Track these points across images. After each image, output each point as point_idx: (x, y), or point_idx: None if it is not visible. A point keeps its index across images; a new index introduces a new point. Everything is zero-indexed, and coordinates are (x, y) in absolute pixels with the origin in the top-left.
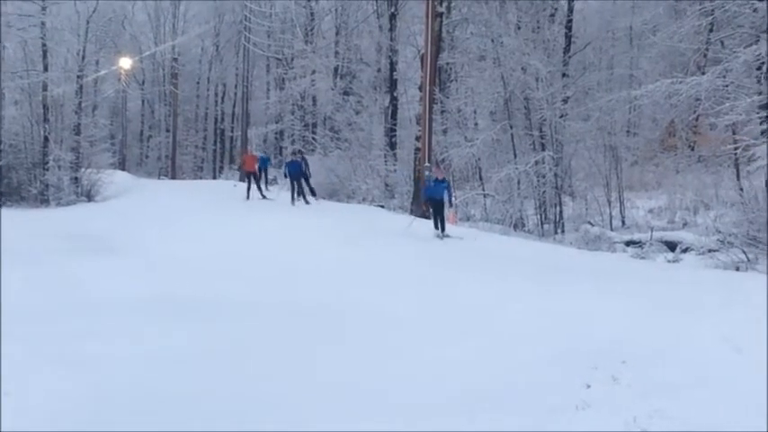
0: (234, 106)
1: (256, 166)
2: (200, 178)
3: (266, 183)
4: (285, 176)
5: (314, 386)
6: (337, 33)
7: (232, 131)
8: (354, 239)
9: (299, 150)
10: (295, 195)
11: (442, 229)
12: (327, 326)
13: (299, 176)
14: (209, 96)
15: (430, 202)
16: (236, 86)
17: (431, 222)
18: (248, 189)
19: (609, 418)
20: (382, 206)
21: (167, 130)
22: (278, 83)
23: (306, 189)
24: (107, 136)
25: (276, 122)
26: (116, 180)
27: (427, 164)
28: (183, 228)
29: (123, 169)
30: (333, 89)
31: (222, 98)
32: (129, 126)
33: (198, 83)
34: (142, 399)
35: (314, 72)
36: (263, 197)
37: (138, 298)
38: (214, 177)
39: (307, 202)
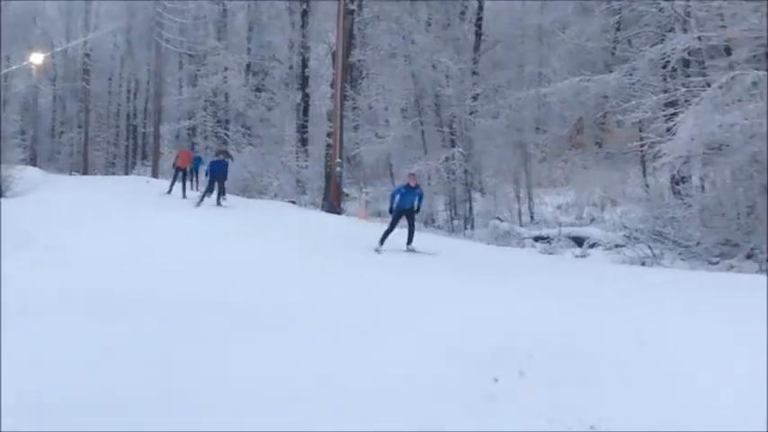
0: (146, 102)
1: (189, 165)
2: (113, 174)
3: (197, 182)
4: (206, 175)
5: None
6: (250, 30)
7: (144, 127)
8: (278, 238)
9: (225, 150)
10: (207, 195)
11: (409, 241)
12: (239, 321)
13: (222, 177)
14: (122, 92)
15: (400, 210)
16: (148, 83)
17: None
18: (183, 187)
19: (515, 410)
20: (293, 202)
21: (79, 126)
22: (190, 79)
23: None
24: (17, 131)
25: (189, 119)
26: (27, 176)
27: (338, 160)
28: (98, 224)
29: (34, 165)
30: (245, 86)
31: (135, 94)
32: (41, 122)
33: (110, 79)
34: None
35: (226, 69)
36: (184, 197)
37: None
38: (126, 173)
39: (219, 204)
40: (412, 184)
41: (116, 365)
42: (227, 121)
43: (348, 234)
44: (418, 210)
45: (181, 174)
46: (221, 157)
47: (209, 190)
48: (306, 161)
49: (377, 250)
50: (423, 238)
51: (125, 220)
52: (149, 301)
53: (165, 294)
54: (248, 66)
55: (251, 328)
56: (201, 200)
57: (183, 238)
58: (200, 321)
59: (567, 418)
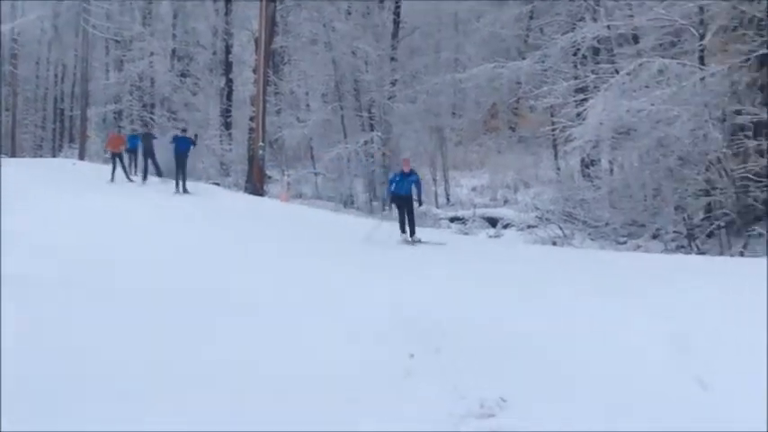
0: (73, 86)
1: (122, 147)
2: (40, 156)
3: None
4: (144, 156)
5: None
6: (175, 17)
7: (72, 111)
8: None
9: (185, 128)
10: (179, 181)
11: (412, 232)
12: (168, 305)
13: (184, 157)
14: (49, 77)
15: (395, 199)
16: (75, 67)
17: (395, 224)
18: (112, 171)
19: (430, 386)
20: (218, 184)
21: (7, 110)
22: (117, 64)
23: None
24: None
25: (115, 103)
26: None
27: (261, 143)
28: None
29: None
30: (170, 71)
31: (62, 78)
32: None
33: (38, 63)
34: None
35: (152, 54)
36: (129, 180)
37: None
38: (53, 156)
39: (185, 191)
40: (406, 169)
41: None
42: (153, 106)
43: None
44: (420, 201)
45: (117, 158)
46: (184, 134)
47: (179, 176)
48: (229, 144)
49: (406, 241)
50: (340, 219)
51: (62, 204)
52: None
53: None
54: (173, 51)
55: (175, 313)
56: (177, 187)
57: (121, 223)
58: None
59: (479, 390)
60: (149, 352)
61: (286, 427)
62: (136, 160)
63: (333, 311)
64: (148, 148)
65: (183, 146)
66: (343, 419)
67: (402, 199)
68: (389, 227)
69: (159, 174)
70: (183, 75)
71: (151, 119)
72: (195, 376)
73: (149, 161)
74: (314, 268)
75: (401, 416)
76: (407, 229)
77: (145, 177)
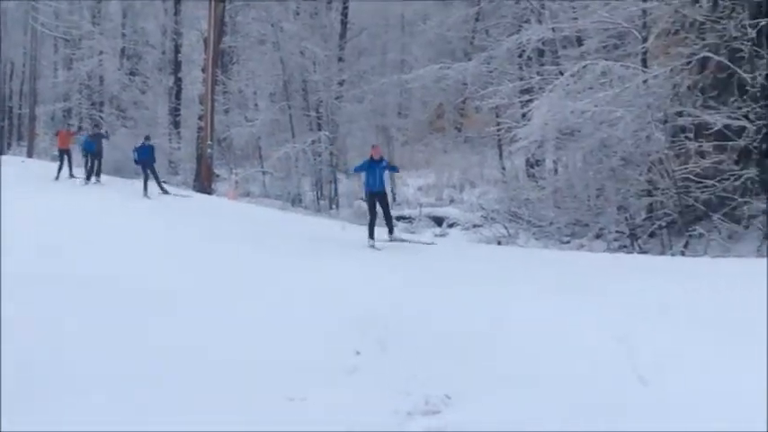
0: (22, 84)
1: (72, 144)
2: None
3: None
4: (136, 163)
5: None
6: (124, 16)
7: (20, 109)
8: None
9: (149, 136)
10: (149, 184)
11: (390, 230)
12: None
13: (151, 163)
14: None
15: (370, 196)
16: (24, 65)
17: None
18: (59, 169)
19: (376, 381)
20: (165, 182)
21: None
22: (66, 62)
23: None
24: None
25: (64, 101)
26: None
27: (209, 142)
28: None
29: None
30: (119, 69)
31: (10, 76)
32: None
33: None
34: None
35: (101, 53)
36: (71, 176)
37: None
38: (1, 153)
39: (165, 192)
40: (376, 156)
41: None
42: (102, 104)
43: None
44: (393, 196)
45: (66, 155)
46: (146, 142)
47: (146, 179)
48: (178, 143)
49: (372, 246)
50: (287, 218)
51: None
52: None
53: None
54: (122, 50)
55: (121, 303)
56: (145, 191)
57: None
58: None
59: (424, 388)
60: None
61: (229, 426)
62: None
63: (278, 308)
64: (98, 149)
65: (146, 154)
66: (287, 417)
67: (377, 195)
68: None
69: (98, 174)
70: (132, 73)
71: (100, 117)
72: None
73: (96, 162)
74: (259, 264)
75: (347, 413)
76: (374, 230)
77: (89, 177)
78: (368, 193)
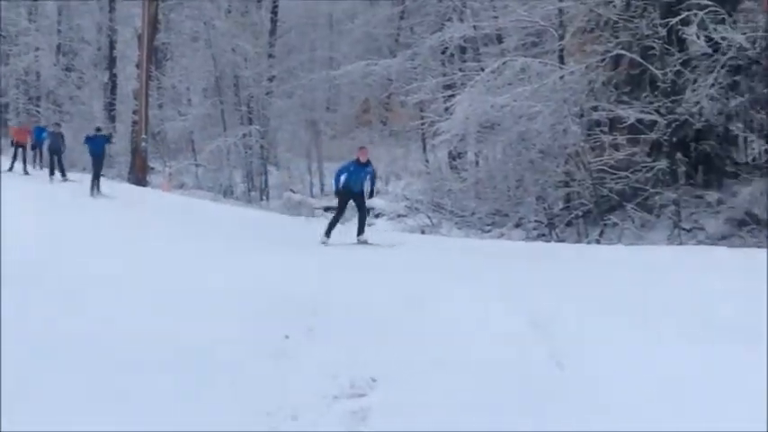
0: None
1: (28, 138)
2: None
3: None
4: (42, 151)
5: None
6: (60, 13)
7: None
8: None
9: (99, 127)
10: (97, 181)
11: (360, 231)
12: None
13: (101, 157)
14: None
15: (344, 194)
16: None
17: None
18: (12, 161)
19: (303, 365)
20: (103, 175)
21: None
22: (2, 58)
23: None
24: None
25: (1, 96)
26: None
27: (144, 136)
28: None
29: None
30: (56, 65)
31: None
32: None
33: None
34: None
35: (37, 49)
36: (26, 173)
37: None
38: None
39: (97, 192)
40: (362, 159)
41: None
42: (39, 99)
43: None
44: (371, 194)
45: (21, 149)
46: (99, 133)
47: (96, 177)
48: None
49: (324, 243)
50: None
51: None
52: None
53: None
54: (58, 47)
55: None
56: (92, 189)
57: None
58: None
59: (350, 371)
60: None
61: (160, 406)
62: (41, 155)
63: (208, 294)
64: (57, 147)
65: (98, 145)
66: (214, 401)
67: (353, 195)
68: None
69: (63, 174)
70: (67, 69)
71: (37, 111)
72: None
73: (56, 159)
74: (188, 250)
75: (274, 396)
76: (333, 229)
77: (52, 173)
78: (344, 191)
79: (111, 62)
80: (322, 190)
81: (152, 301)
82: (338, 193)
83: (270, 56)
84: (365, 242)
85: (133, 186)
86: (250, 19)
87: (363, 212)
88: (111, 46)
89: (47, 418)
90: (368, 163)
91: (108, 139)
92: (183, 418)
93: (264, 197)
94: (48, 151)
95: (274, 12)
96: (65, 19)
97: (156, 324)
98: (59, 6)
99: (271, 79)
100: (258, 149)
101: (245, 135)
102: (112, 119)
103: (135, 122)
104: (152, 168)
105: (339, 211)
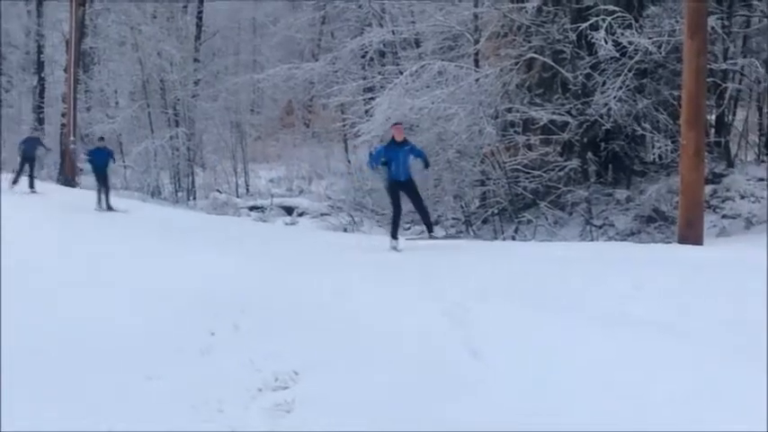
0: None
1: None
2: None
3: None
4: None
5: None
6: None
7: None
8: None
9: (102, 137)
10: (102, 196)
11: (429, 227)
12: None
13: (105, 170)
14: None
15: (394, 186)
16: None
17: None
18: (18, 173)
19: (229, 360)
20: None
21: None
22: None
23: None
24: None
25: None
26: None
27: (72, 138)
28: None
29: None
30: None
31: None
32: None
33: None
34: None
35: None
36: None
37: None
38: None
39: (109, 208)
40: (399, 137)
41: None
42: None
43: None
44: (427, 163)
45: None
46: (101, 144)
47: (100, 190)
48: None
49: (394, 248)
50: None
51: None
52: None
53: None
54: None
55: None
56: (99, 203)
57: None
58: None
59: (274, 365)
60: None
61: (86, 409)
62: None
63: (139, 293)
64: (31, 154)
65: (101, 158)
66: (140, 396)
67: (402, 185)
68: None
69: (31, 185)
70: None
71: None
72: None
73: (30, 168)
74: (119, 248)
75: (199, 390)
76: (398, 227)
77: (16, 181)
78: (390, 183)
79: (40, 66)
80: (247, 190)
81: (85, 299)
82: (387, 188)
83: (195, 60)
84: (435, 238)
85: (62, 187)
86: (176, 24)
87: (422, 205)
88: (39, 50)
89: None
90: (405, 141)
91: (111, 153)
92: (111, 412)
93: (191, 197)
94: (21, 159)
95: (199, 17)
96: None
97: (82, 322)
98: None
99: (196, 83)
100: (185, 151)
101: (171, 137)
102: (41, 121)
103: (64, 125)
104: (81, 170)
105: (396, 208)
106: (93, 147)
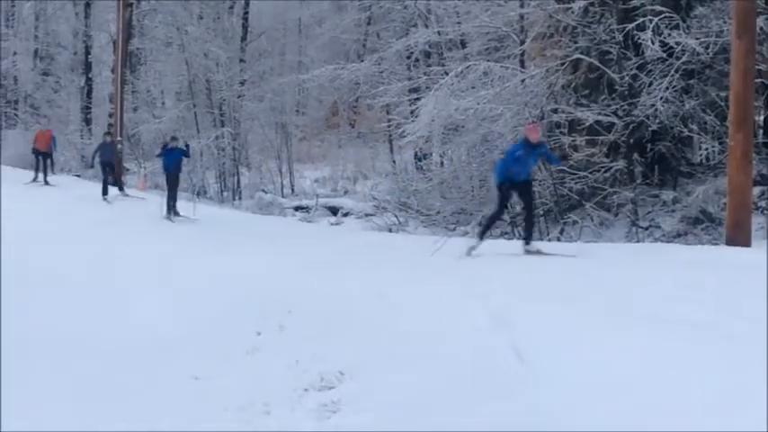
0: None
1: (51, 146)
2: None
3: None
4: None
5: None
6: (37, 19)
7: None
8: None
9: (175, 136)
10: (170, 203)
11: (528, 237)
12: None
13: (176, 174)
14: None
15: (510, 187)
16: None
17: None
18: (36, 170)
19: (275, 360)
20: (78, 175)
21: None
22: None
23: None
24: None
25: None
26: None
27: (119, 138)
28: None
29: None
30: (33, 70)
31: None
32: None
33: None
34: None
35: (15, 54)
36: (37, 180)
37: None
38: None
39: (176, 214)
40: (534, 138)
41: None
42: (17, 102)
43: None
44: (555, 161)
45: (42, 156)
46: (175, 144)
47: (169, 197)
48: (90, 139)
49: (472, 249)
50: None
51: None
52: None
53: None
54: (36, 51)
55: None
56: (169, 213)
57: None
58: None
59: (320, 365)
60: None
61: (129, 405)
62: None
63: (186, 294)
64: (109, 159)
65: (173, 159)
66: (188, 395)
67: (520, 186)
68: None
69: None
70: (45, 73)
71: (15, 114)
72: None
73: (108, 172)
74: (163, 247)
75: (246, 390)
76: (490, 229)
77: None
78: (507, 182)
79: (87, 67)
80: (292, 190)
81: (135, 301)
82: (500, 186)
83: (241, 60)
84: (538, 252)
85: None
86: (222, 24)
87: (531, 211)
88: (87, 51)
89: None
90: (540, 143)
91: (185, 152)
92: (156, 413)
93: (237, 197)
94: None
95: (245, 17)
96: (42, 24)
97: (133, 324)
98: (36, 12)
99: (242, 83)
100: (230, 151)
101: (217, 137)
102: (88, 121)
103: (110, 125)
104: (127, 170)
105: (499, 209)
106: (164, 147)
